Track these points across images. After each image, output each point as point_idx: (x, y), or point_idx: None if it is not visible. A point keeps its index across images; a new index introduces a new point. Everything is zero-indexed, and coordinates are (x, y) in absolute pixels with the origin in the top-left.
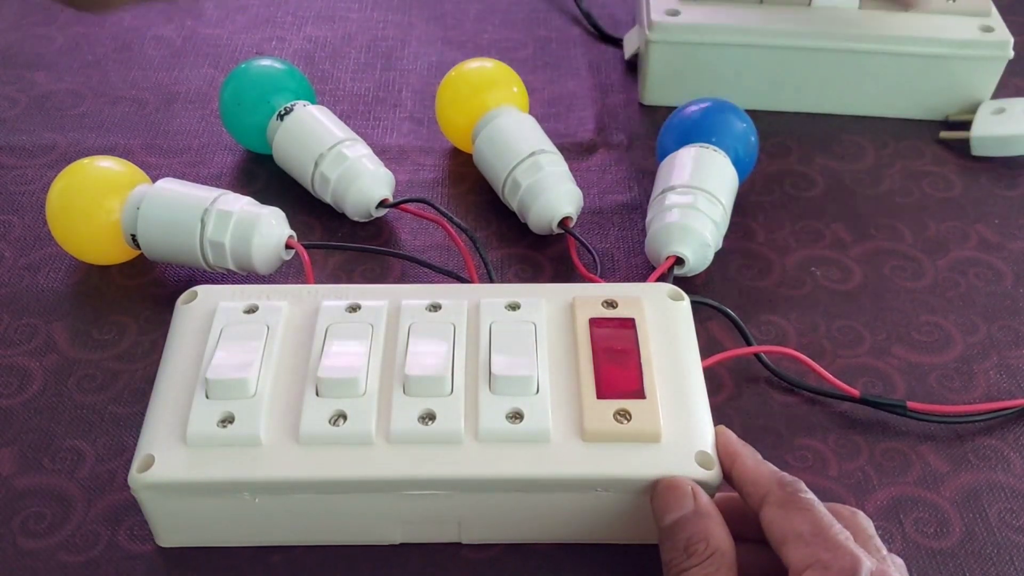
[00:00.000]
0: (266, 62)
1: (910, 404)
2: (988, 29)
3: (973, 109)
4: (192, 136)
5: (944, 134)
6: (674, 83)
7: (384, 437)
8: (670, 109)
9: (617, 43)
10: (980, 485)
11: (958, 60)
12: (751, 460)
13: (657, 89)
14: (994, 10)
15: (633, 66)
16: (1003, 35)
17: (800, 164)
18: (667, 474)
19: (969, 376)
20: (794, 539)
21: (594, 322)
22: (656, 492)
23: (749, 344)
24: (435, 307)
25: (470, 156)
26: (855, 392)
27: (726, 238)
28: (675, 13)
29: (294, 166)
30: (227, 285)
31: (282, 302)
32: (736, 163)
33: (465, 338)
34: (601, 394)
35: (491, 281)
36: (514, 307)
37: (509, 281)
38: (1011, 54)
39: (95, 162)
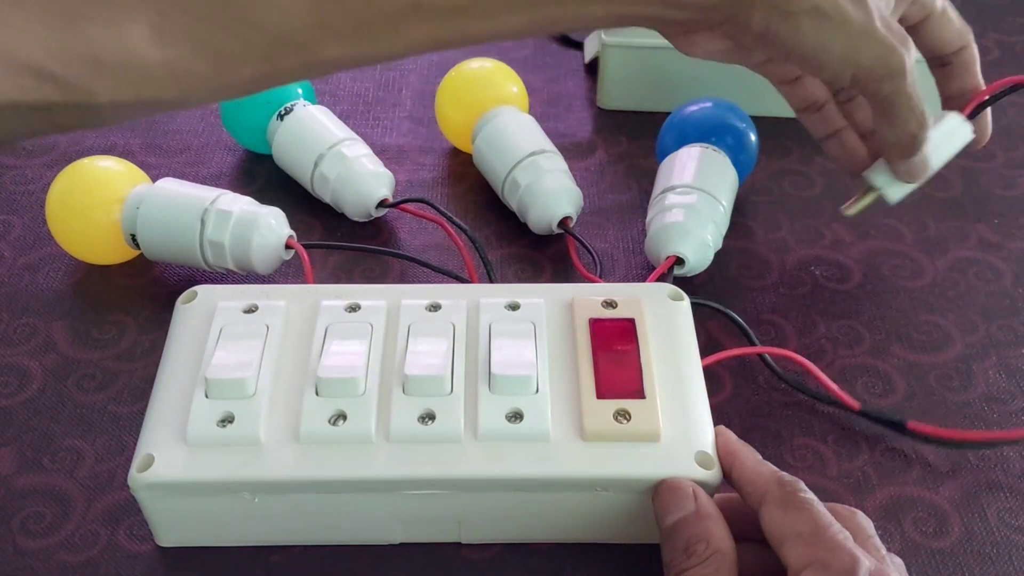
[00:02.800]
0: None
1: (910, 424)
2: None
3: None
4: (192, 136)
5: (847, 209)
6: (630, 86)
7: (384, 437)
8: (629, 113)
9: (578, 46)
10: (980, 485)
11: None
12: (751, 460)
13: (614, 92)
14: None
15: (593, 69)
16: None
17: (799, 164)
18: (667, 474)
19: (968, 375)
20: (793, 538)
21: (594, 322)
22: (657, 493)
23: (752, 344)
24: (435, 307)
25: (470, 156)
26: (855, 404)
27: (726, 238)
28: None
29: (294, 166)
30: (227, 285)
31: (282, 302)
32: (736, 163)
33: (465, 338)
34: (601, 394)
35: (491, 281)
36: (514, 307)
37: (509, 281)
38: None
39: (95, 162)
